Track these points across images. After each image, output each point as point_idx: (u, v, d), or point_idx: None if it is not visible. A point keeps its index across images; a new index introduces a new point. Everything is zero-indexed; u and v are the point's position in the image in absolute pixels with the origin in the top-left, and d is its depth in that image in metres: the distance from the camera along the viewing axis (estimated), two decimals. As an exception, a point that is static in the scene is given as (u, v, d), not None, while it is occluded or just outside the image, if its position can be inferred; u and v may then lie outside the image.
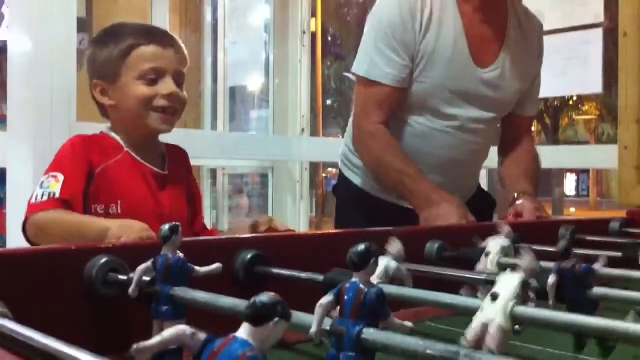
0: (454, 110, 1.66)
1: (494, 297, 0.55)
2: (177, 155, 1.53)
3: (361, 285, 0.51)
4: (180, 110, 1.44)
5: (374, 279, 0.68)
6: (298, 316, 0.51)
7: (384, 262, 0.74)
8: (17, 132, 2.08)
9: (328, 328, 0.51)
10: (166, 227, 0.66)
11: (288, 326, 0.40)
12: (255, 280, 0.81)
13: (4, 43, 2.16)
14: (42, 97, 2.03)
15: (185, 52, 1.47)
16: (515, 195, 1.64)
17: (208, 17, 4.27)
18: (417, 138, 1.68)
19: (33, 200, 1.27)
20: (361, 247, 0.52)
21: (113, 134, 1.43)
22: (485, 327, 0.54)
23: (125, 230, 1.11)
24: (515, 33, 1.71)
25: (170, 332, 0.43)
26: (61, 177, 1.29)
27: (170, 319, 0.64)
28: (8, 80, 2.11)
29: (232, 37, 3.81)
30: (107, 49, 1.41)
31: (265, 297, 0.40)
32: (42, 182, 1.29)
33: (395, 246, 0.75)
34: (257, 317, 0.40)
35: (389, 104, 1.62)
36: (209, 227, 1.65)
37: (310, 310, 0.52)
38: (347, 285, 0.52)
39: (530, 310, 0.54)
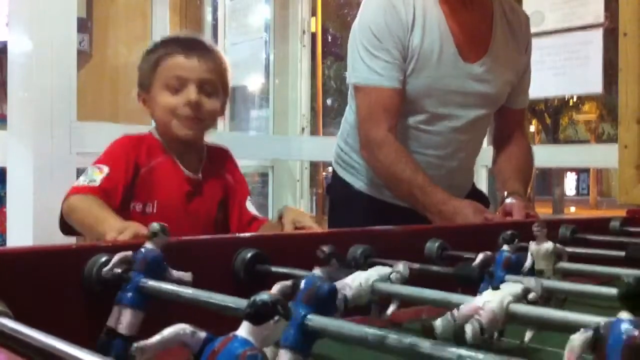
0: (445, 109, 1.67)
1: (495, 288, 0.56)
2: (217, 156, 1.55)
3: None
4: (205, 118, 1.46)
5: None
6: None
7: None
8: (17, 132, 2.08)
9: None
10: (156, 225, 0.69)
11: (288, 325, 0.40)
12: (256, 279, 0.81)
13: (4, 43, 2.16)
14: (42, 97, 2.02)
15: (219, 60, 1.49)
16: (505, 194, 1.65)
17: (208, 17, 4.26)
18: (409, 139, 1.67)
19: (75, 184, 1.33)
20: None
21: (157, 135, 1.48)
22: (478, 308, 0.56)
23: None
24: (502, 26, 1.72)
25: (170, 330, 0.43)
26: (105, 169, 1.35)
27: (130, 305, 0.67)
28: (8, 80, 2.11)
29: (232, 37, 3.81)
30: (145, 61, 1.48)
31: (265, 295, 0.40)
32: (87, 171, 1.35)
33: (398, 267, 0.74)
34: (257, 315, 0.40)
35: (394, 107, 1.62)
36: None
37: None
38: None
39: (524, 308, 0.56)
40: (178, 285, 0.65)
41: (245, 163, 3.31)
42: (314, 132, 4.32)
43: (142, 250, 0.68)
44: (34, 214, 1.93)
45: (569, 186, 26.80)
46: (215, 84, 1.47)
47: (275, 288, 0.51)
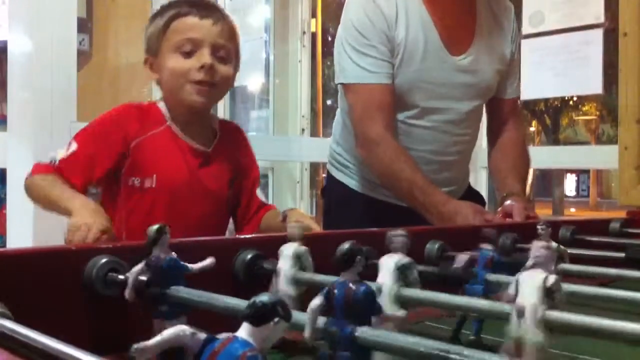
0: (435, 102, 1.66)
1: (520, 314, 0.52)
2: (229, 132, 1.49)
3: (350, 284, 0.51)
4: (219, 84, 1.38)
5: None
6: (298, 316, 0.51)
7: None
8: (17, 132, 2.08)
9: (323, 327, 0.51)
10: (153, 228, 0.66)
11: (288, 326, 0.40)
12: (255, 280, 0.81)
13: (4, 43, 2.16)
14: (42, 97, 2.02)
15: (231, 24, 1.41)
16: (504, 195, 1.64)
17: (208, 17, 4.26)
18: (400, 134, 1.67)
19: (42, 162, 1.30)
20: (345, 246, 0.53)
21: (161, 105, 1.41)
22: (519, 345, 0.52)
23: (72, 233, 1.07)
24: (486, 17, 1.71)
25: (169, 331, 0.43)
26: (74, 147, 1.30)
27: (170, 318, 0.64)
28: (8, 80, 2.11)
29: (232, 37, 3.81)
30: (153, 23, 1.40)
31: (265, 297, 0.40)
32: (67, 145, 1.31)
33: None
34: (257, 316, 0.40)
35: (388, 103, 1.61)
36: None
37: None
38: (336, 285, 0.52)
39: (563, 316, 0.52)
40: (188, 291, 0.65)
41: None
42: (314, 133, 4.32)
43: (153, 260, 0.66)
44: (34, 214, 1.93)
45: (569, 187, 26.80)
46: (229, 50, 1.40)
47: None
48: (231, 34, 1.41)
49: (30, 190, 1.29)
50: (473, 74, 1.68)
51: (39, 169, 1.29)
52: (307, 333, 0.51)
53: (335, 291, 0.51)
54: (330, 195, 1.90)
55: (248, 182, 1.48)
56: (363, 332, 0.49)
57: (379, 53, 1.60)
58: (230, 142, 1.47)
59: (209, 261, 0.68)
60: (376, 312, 0.52)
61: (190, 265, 0.67)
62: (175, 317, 0.64)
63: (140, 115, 1.37)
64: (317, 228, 1.25)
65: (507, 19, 1.77)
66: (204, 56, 1.34)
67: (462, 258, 0.80)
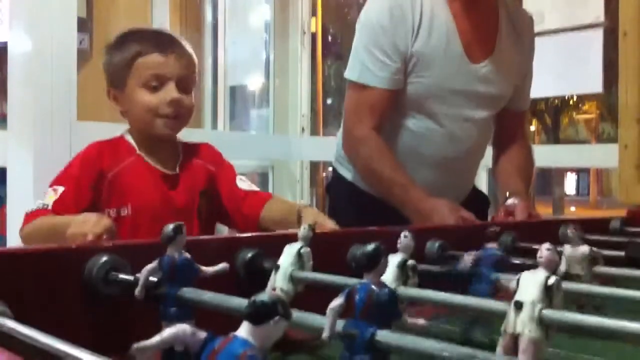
0: (450, 109, 1.66)
1: (518, 306, 0.52)
2: (195, 150, 1.54)
3: (372, 286, 0.51)
4: (185, 115, 1.46)
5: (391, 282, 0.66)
6: (298, 315, 0.51)
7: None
8: (17, 132, 2.08)
9: (340, 330, 0.50)
10: (170, 227, 0.66)
11: (288, 325, 0.40)
12: (256, 279, 0.81)
13: (4, 43, 2.16)
14: (42, 97, 2.02)
15: (191, 56, 1.48)
16: (507, 194, 1.64)
17: (208, 17, 4.26)
18: (412, 139, 1.67)
19: (28, 211, 1.32)
20: (370, 247, 0.52)
21: (128, 137, 1.48)
22: (515, 340, 0.52)
23: (80, 226, 1.09)
24: (507, 27, 1.71)
25: (170, 331, 0.43)
26: (60, 190, 1.34)
27: (178, 320, 0.63)
28: (8, 80, 2.11)
29: (232, 37, 3.81)
30: (116, 57, 1.45)
31: (265, 295, 0.40)
32: (45, 194, 1.35)
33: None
34: (257, 315, 0.40)
35: (381, 107, 1.61)
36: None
37: (311, 309, 0.52)
38: (358, 286, 0.51)
39: (560, 314, 0.52)
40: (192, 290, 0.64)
41: (245, 163, 3.32)
42: (314, 132, 4.32)
43: (167, 259, 0.65)
44: (34, 214, 1.93)
45: (569, 186, 26.78)
46: (191, 80, 1.47)
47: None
48: (191, 64, 1.48)
49: (31, 233, 1.29)
50: (490, 83, 1.67)
51: (27, 218, 1.31)
52: (326, 333, 0.50)
53: (357, 293, 0.50)
54: (336, 192, 1.90)
55: (222, 181, 1.53)
56: (384, 335, 0.48)
57: (390, 59, 1.58)
58: (196, 157, 1.53)
59: (222, 266, 0.68)
60: (396, 317, 0.51)
61: (203, 268, 0.67)
62: (183, 320, 0.63)
63: (111, 150, 1.44)
64: (333, 226, 1.26)
65: (526, 31, 1.76)
66: (171, 91, 1.41)
67: (468, 259, 0.80)
